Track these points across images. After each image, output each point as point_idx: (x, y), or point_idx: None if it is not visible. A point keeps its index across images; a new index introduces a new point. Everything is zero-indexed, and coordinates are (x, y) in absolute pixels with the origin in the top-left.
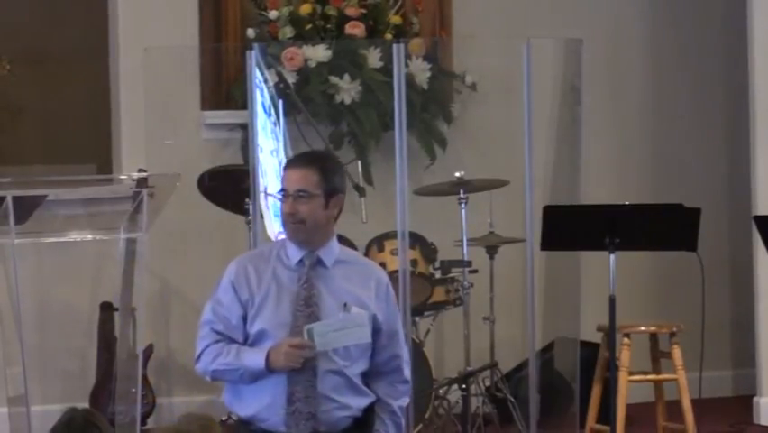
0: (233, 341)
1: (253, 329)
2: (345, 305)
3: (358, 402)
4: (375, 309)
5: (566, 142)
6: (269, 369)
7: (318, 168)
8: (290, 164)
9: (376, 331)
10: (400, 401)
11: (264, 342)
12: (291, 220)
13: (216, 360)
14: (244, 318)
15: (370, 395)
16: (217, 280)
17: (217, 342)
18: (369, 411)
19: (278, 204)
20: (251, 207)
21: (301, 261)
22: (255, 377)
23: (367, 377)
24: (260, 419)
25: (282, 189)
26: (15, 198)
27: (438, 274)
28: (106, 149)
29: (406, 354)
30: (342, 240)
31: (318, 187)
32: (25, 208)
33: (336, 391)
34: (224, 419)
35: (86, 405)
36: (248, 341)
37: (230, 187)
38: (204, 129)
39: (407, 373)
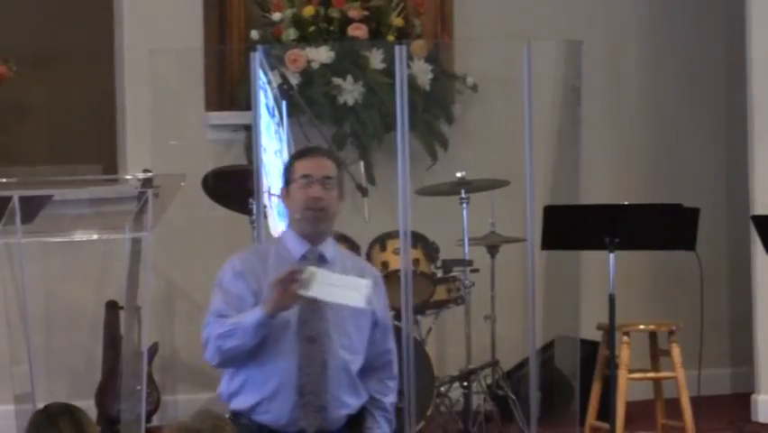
0: None
1: None
2: None
3: (355, 401)
4: (376, 305)
5: (566, 143)
6: (269, 314)
7: (335, 160)
8: (312, 152)
9: (373, 325)
10: (390, 398)
11: (269, 329)
12: (316, 205)
13: (219, 328)
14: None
15: (364, 395)
16: (218, 282)
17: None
18: (361, 409)
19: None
20: (254, 207)
21: (304, 256)
22: (258, 332)
23: (360, 373)
24: (261, 411)
25: (305, 175)
26: (22, 198)
27: (440, 273)
28: (112, 149)
29: (395, 349)
30: (345, 239)
31: (337, 177)
32: (31, 208)
33: (341, 388)
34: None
35: (91, 403)
36: None
37: (234, 187)
38: (208, 130)
39: (396, 369)
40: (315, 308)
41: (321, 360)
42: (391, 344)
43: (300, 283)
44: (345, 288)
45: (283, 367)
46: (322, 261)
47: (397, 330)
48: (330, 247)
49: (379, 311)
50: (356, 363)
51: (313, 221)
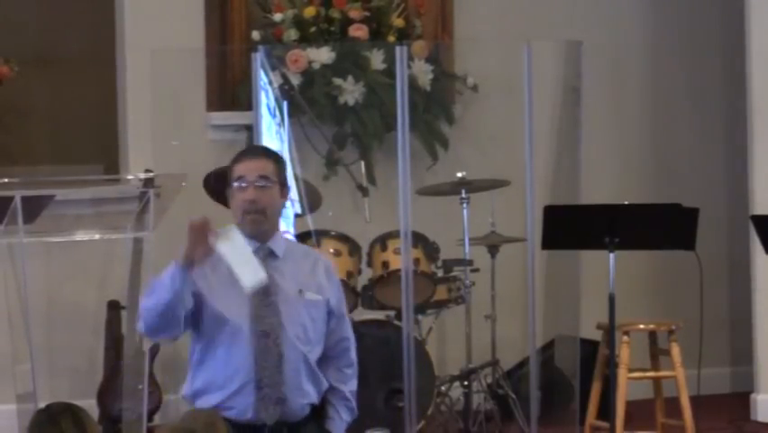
0: None
1: (209, 310)
2: (300, 291)
3: (316, 390)
4: (329, 294)
5: (566, 143)
6: (183, 263)
7: (273, 158)
8: (247, 154)
9: (329, 314)
10: (350, 385)
11: (223, 327)
12: (252, 209)
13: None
14: (193, 294)
15: (325, 383)
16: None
17: None
18: (323, 399)
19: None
20: None
21: (254, 253)
22: (174, 283)
23: (318, 363)
24: (226, 407)
25: (240, 178)
26: (24, 198)
27: (440, 273)
28: (113, 149)
29: (352, 336)
30: (346, 239)
31: (276, 175)
32: (33, 208)
33: (299, 378)
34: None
35: (92, 402)
36: (202, 324)
37: None
38: (209, 130)
39: (354, 355)
40: (267, 303)
41: (277, 353)
42: (347, 332)
43: (217, 235)
44: (248, 265)
45: (242, 364)
46: (272, 256)
47: (398, 330)
48: (279, 242)
49: (333, 300)
50: (314, 352)
51: (252, 223)
